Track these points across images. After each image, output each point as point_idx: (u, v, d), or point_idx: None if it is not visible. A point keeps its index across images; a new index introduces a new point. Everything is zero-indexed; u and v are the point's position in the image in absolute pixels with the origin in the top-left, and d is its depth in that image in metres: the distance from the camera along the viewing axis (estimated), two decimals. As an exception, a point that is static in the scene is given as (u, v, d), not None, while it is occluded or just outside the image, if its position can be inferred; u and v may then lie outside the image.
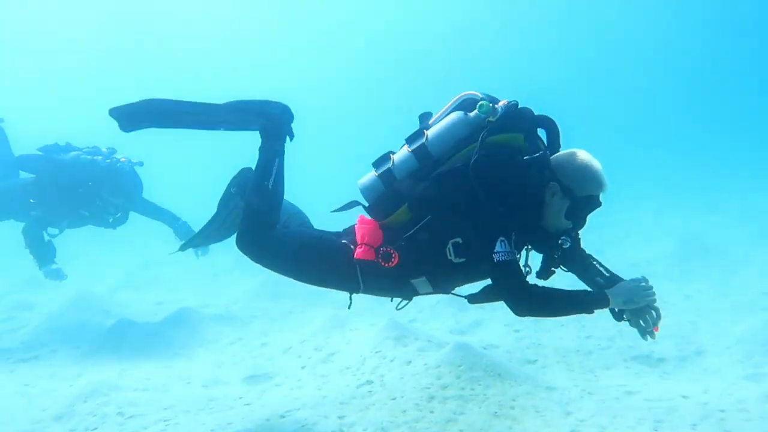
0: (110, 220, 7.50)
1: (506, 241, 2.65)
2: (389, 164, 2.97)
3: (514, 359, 5.83)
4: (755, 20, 41.18)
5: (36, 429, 4.54)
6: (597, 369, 5.47)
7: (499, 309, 7.80)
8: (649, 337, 2.91)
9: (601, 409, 4.28)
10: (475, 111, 2.80)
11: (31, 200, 7.08)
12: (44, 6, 40.28)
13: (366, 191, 3.08)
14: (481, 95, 2.89)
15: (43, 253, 7.11)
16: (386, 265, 2.88)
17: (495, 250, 2.64)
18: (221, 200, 3.66)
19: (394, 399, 4.54)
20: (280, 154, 3.31)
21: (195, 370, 5.93)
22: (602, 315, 6.71)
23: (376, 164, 3.07)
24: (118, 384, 5.24)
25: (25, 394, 5.36)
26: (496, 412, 4.24)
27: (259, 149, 3.33)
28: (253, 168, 3.35)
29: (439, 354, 5.08)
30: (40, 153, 7.21)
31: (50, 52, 42.86)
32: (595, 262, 3.14)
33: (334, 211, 3.31)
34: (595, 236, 11.29)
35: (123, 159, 7.28)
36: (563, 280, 3.06)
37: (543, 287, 2.80)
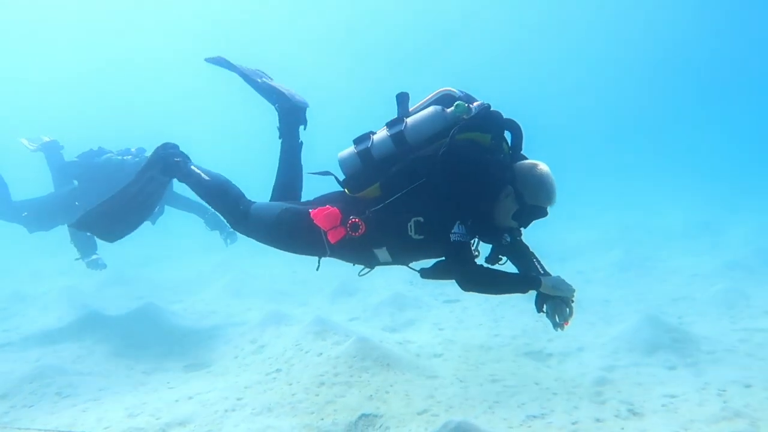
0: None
1: (463, 225, 2.87)
2: (369, 144, 3.11)
3: (423, 353, 6.26)
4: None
5: (-18, 405, 5.06)
6: (488, 362, 5.89)
7: (433, 309, 8.37)
8: (558, 329, 3.12)
9: (458, 393, 4.75)
10: (452, 108, 2.97)
11: (76, 203, 7.45)
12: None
13: (344, 165, 3.20)
14: (458, 93, 3.11)
15: (86, 246, 7.53)
16: (354, 234, 3.05)
17: (452, 231, 2.85)
18: (272, 87, 3.86)
19: (290, 384, 5.03)
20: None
21: (142, 357, 6.44)
22: (518, 317, 7.19)
23: (357, 141, 3.19)
24: (65, 368, 5.76)
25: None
26: (371, 396, 4.72)
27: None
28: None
29: (342, 347, 5.54)
30: (77, 160, 7.66)
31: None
32: (534, 259, 3.31)
33: (310, 173, 3.55)
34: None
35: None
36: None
37: (488, 268, 3.03)
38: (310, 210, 3.16)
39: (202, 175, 3.54)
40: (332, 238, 3.08)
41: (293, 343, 6.09)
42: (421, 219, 2.98)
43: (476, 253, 3.07)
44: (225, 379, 5.48)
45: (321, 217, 3.08)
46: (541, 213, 3.01)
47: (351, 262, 3.39)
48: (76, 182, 7.60)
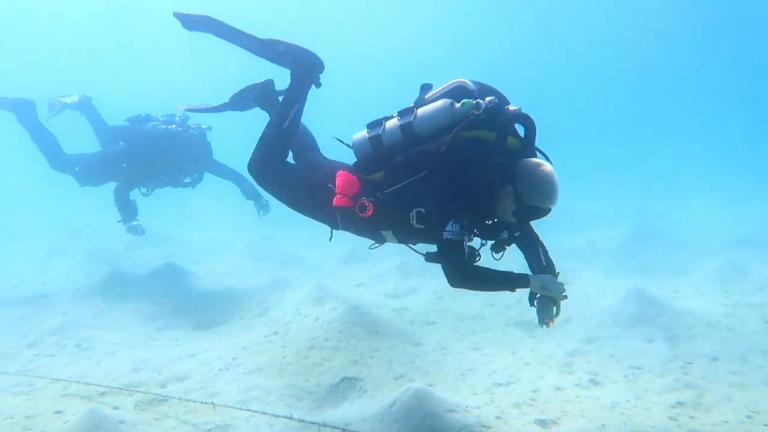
0: (187, 181, 7.92)
1: (457, 224, 2.90)
2: (380, 130, 3.14)
3: (417, 320, 6.55)
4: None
5: (12, 352, 5.58)
6: (478, 331, 6.14)
7: (436, 278, 8.61)
8: (544, 325, 3.23)
9: (436, 360, 5.03)
10: (459, 105, 2.94)
11: (124, 165, 7.70)
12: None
13: (356, 148, 3.25)
14: (471, 85, 3.05)
15: (127, 211, 7.79)
16: (361, 215, 3.14)
17: (446, 229, 2.91)
18: (236, 96, 3.84)
19: (283, 347, 5.39)
20: (300, 100, 3.51)
21: (157, 314, 6.89)
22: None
23: (370, 126, 3.22)
24: (86, 322, 6.24)
25: (15, 326, 6.44)
26: (356, 360, 5.04)
27: (286, 91, 3.57)
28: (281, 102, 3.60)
29: (335, 313, 5.86)
30: (127, 124, 7.71)
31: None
32: (540, 250, 3.36)
33: (335, 138, 3.51)
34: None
35: (193, 125, 7.64)
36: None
37: (478, 267, 3.05)
38: (330, 186, 3.29)
39: (292, 122, 3.51)
40: (336, 201, 3.21)
41: (293, 308, 6.44)
42: (422, 210, 3.08)
43: (477, 256, 3.16)
44: (227, 339, 5.88)
45: (342, 179, 3.24)
46: (540, 213, 3.01)
47: (362, 236, 3.50)
48: (122, 144, 7.78)
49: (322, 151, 3.82)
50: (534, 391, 4.31)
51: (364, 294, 7.71)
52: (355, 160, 3.31)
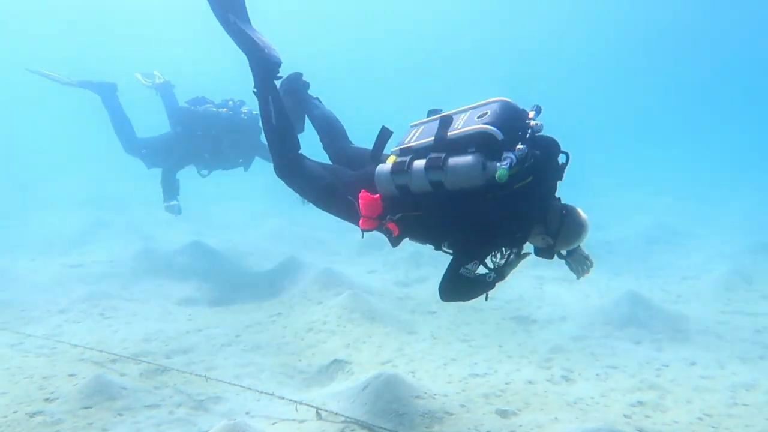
0: (240, 161, 8.11)
1: (477, 263, 2.98)
2: (407, 179, 3.03)
3: (418, 309, 6.78)
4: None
5: (44, 317, 6.07)
6: (474, 323, 6.33)
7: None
8: (582, 276, 3.44)
9: (424, 349, 5.27)
10: (495, 168, 2.74)
11: (178, 147, 7.95)
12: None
13: (380, 185, 3.18)
14: (500, 136, 2.80)
15: (169, 191, 8.12)
16: (386, 235, 3.17)
17: (465, 266, 2.97)
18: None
19: (284, 327, 5.73)
20: (269, 93, 3.51)
21: (178, 288, 7.33)
22: (519, 282, 7.49)
23: (395, 172, 3.09)
24: (112, 293, 6.71)
25: (52, 292, 6.96)
26: (348, 344, 5.33)
27: (253, 90, 3.58)
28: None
29: (338, 298, 6.15)
30: (185, 105, 7.95)
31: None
32: None
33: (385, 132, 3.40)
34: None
35: (245, 110, 7.77)
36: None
37: (467, 290, 3.15)
38: (356, 196, 3.24)
39: (270, 112, 3.52)
40: (363, 225, 3.19)
41: (301, 291, 6.77)
42: (452, 241, 3.16)
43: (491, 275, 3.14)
44: (235, 316, 6.25)
45: (365, 201, 3.16)
46: (577, 245, 3.15)
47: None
48: (179, 127, 8.07)
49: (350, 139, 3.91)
50: (506, 383, 4.51)
51: (373, 281, 7.98)
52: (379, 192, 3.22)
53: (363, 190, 3.22)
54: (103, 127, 8.54)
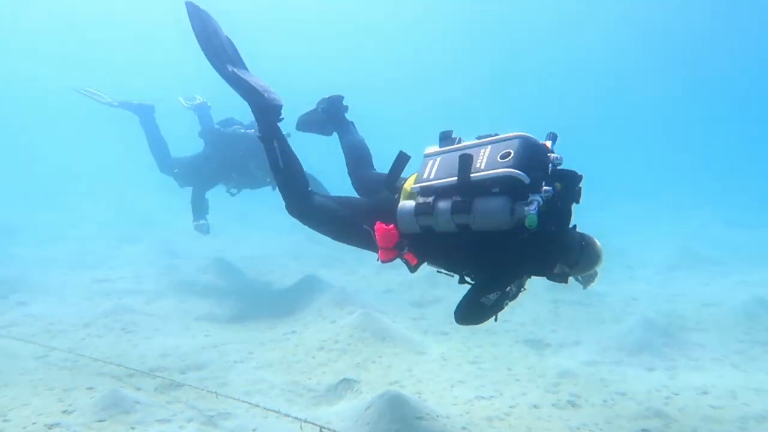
0: (267, 180, 8.16)
1: (498, 294, 3.01)
2: (432, 221, 3.05)
3: (431, 330, 6.83)
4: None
5: (70, 330, 6.29)
6: (486, 345, 6.34)
7: (462, 291, 8.82)
8: (588, 286, 3.51)
9: (432, 370, 5.30)
10: (522, 213, 2.78)
11: (207, 167, 8.16)
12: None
13: (403, 223, 3.19)
14: (526, 179, 2.80)
15: (198, 210, 8.44)
16: (405, 264, 3.26)
17: (487, 296, 3.02)
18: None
19: (296, 345, 5.82)
20: (274, 136, 3.58)
21: (198, 305, 7.50)
22: (534, 306, 7.46)
23: (419, 212, 3.08)
24: (135, 308, 6.91)
25: (78, 306, 7.21)
26: (358, 363, 5.40)
27: (257, 135, 3.69)
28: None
29: (351, 317, 6.24)
30: (217, 127, 8.17)
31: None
32: None
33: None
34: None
35: None
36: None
37: (484, 316, 3.20)
38: (371, 225, 3.27)
39: (277, 156, 3.59)
40: (382, 257, 3.22)
41: (316, 309, 6.88)
42: (475, 271, 3.22)
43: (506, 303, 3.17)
44: (250, 333, 6.38)
45: (381, 233, 3.18)
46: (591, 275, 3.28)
47: None
48: (208, 147, 8.31)
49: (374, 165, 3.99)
50: (511, 407, 4.53)
51: (389, 300, 8.05)
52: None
53: (378, 222, 3.23)
54: (140, 147, 8.87)
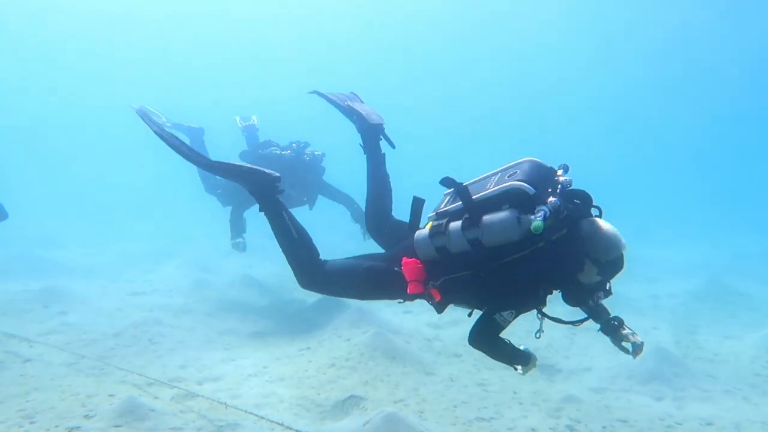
0: (304, 200, 8.37)
1: (513, 313, 3.04)
2: (446, 241, 3.10)
3: (444, 351, 6.93)
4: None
5: (100, 339, 6.63)
6: (496, 368, 6.37)
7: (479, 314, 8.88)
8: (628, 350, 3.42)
9: (438, 390, 5.41)
10: (529, 221, 2.81)
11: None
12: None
13: (420, 250, 3.24)
14: (531, 191, 2.90)
15: (236, 229, 8.70)
16: (429, 302, 3.22)
17: (501, 313, 3.04)
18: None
19: (309, 361, 6.01)
20: (279, 209, 3.51)
21: (223, 319, 7.79)
22: (550, 331, 7.54)
23: (433, 235, 3.16)
24: (163, 320, 7.23)
25: (111, 317, 7.58)
26: (366, 381, 5.55)
27: (261, 211, 3.56)
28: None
29: (364, 336, 6.40)
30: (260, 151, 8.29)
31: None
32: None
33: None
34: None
35: (308, 152, 8.12)
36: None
37: (500, 339, 3.20)
38: (398, 265, 3.25)
39: (289, 225, 3.51)
40: (411, 290, 3.19)
41: (333, 327, 7.07)
42: (494, 296, 3.15)
43: (540, 333, 3.27)
44: (268, 349, 6.61)
45: (408, 267, 3.20)
46: (620, 262, 3.07)
47: None
48: None
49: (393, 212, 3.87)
50: (509, 429, 4.60)
51: (407, 321, 8.17)
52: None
53: (404, 257, 3.26)
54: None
